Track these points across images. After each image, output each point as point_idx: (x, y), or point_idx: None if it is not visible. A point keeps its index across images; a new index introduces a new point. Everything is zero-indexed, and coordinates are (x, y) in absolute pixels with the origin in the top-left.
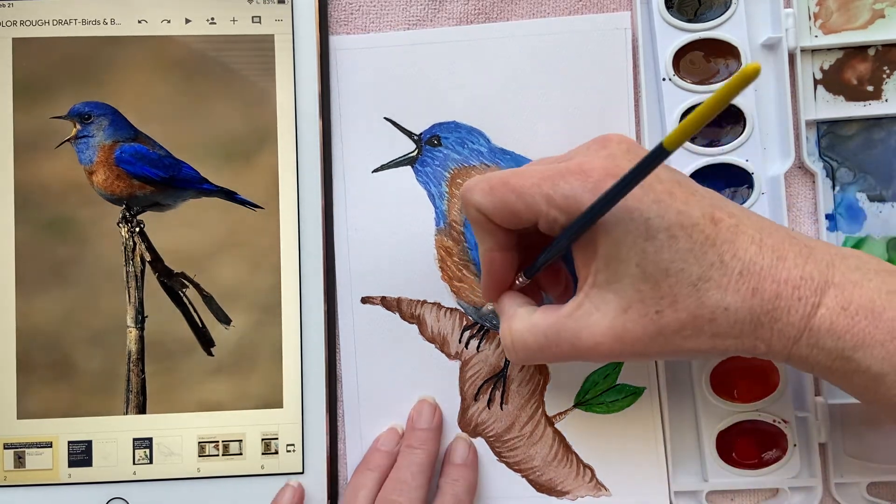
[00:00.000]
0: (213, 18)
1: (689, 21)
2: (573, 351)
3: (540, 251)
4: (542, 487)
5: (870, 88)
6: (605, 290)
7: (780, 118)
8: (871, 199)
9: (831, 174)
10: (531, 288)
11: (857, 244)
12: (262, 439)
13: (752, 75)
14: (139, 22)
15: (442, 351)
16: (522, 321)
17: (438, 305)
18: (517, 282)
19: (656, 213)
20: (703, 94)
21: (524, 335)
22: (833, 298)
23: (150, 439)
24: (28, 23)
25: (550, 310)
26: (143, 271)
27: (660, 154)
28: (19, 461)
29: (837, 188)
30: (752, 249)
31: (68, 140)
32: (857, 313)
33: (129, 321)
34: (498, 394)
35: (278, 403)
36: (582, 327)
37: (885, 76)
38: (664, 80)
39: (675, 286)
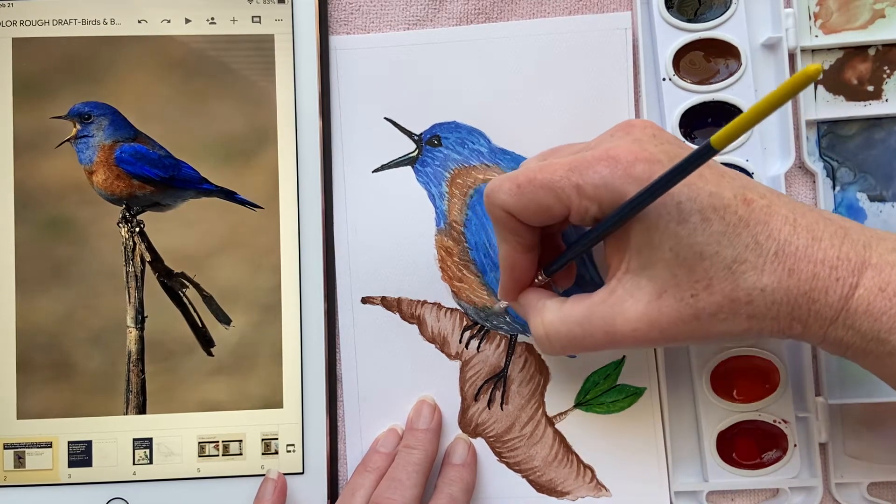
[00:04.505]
0: (213, 18)
1: (689, 21)
2: (607, 338)
3: (554, 249)
4: (543, 488)
5: (870, 88)
6: (639, 276)
7: (780, 118)
8: (872, 199)
9: (831, 174)
10: (545, 286)
11: None
12: (262, 439)
13: (814, 75)
14: (139, 22)
15: (442, 351)
16: (554, 313)
17: (438, 305)
18: (537, 280)
19: (688, 197)
20: (704, 94)
21: (557, 326)
22: (871, 279)
23: (150, 439)
24: (28, 23)
25: (581, 299)
26: (143, 271)
27: (707, 152)
28: (19, 461)
29: (838, 188)
30: (786, 230)
31: (68, 140)
32: (895, 295)
33: (129, 321)
34: (498, 394)
35: (278, 403)
36: (616, 314)
37: (885, 76)
38: (664, 80)
39: (710, 269)
